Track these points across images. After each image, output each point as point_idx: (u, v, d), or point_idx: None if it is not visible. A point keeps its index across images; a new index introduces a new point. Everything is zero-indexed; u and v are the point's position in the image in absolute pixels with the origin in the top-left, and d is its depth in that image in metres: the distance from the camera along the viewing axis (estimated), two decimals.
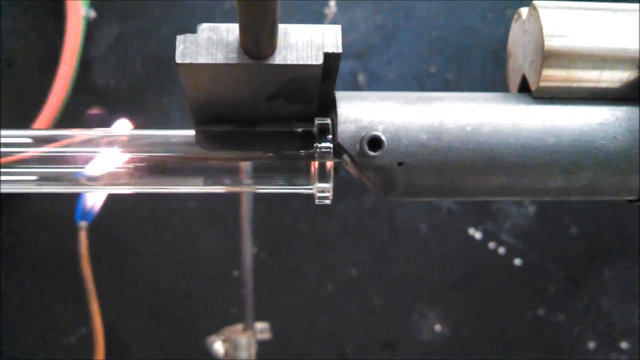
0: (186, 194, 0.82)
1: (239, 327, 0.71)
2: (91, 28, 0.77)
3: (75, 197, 0.66)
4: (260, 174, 0.35)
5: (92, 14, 0.75)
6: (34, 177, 0.34)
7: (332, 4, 0.79)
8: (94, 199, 0.64)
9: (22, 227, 0.81)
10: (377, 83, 0.82)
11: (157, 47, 0.80)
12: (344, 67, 0.79)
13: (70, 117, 0.76)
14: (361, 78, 0.82)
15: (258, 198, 0.77)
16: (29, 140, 0.35)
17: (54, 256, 0.82)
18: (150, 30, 0.80)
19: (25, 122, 0.74)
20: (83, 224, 0.66)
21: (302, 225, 0.84)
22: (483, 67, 0.83)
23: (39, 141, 0.35)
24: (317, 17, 0.81)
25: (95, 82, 0.79)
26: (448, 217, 0.86)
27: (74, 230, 0.67)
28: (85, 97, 0.78)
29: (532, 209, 0.86)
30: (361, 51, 0.82)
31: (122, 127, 0.46)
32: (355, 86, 0.82)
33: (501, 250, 0.87)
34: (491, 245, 0.87)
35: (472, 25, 0.82)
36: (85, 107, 0.78)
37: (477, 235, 0.86)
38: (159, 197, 0.82)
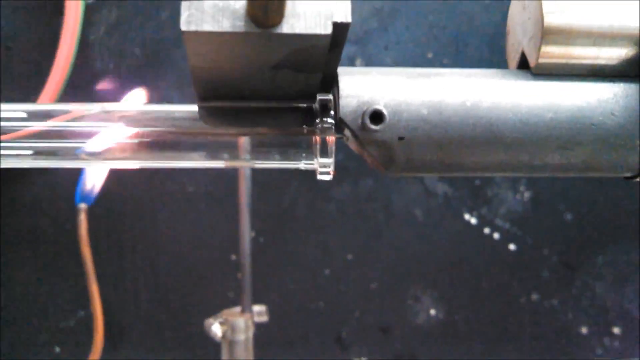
0: (185, 177, 0.82)
1: (236, 309, 0.72)
2: (90, 11, 0.77)
3: (75, 179, 0.66)
4: (263, 149, 0.35)
5: None
6: (33, 152, 0.35)
7: None
8: (94, 181, 0.65)
9: (21, 209, 0.81)
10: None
11: (156, 30, 0.80)
12: None
13: (68, 100, 0.75)
14: (359, 63, 0.83)
15: (256, 182, 0.77)
16: (26, 115, 0.35)
17: (53, 238, 0.82)
18: (148, 13, 0.80)
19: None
20: (83, 206, 0.67)
21: (299, 209, 0.85)
22: (480, 53, 0.83)
23: (41, 116, 0.35)
24: None
25: (93, 65, 0.79)
26: (444, 203, 0.86)
27: (73, 213, 0.68)
28: (84, 80, 0.78)
29: (527, 195, 0.86)
30: (359, 36, 0.82)
31: (136, 96, 0.46)
32: None
33: (496, 235, 0.87)
34: (486, 230, 0.87)
35: (469, 11, 0.83)
36: (84, 90, 0.78)
37: (473, 220, 0.87)
38: (158, 180, 0.82)
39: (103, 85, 0.76)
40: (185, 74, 0.79)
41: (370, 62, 0.82)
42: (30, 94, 0.74)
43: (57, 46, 0.72)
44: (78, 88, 0.76)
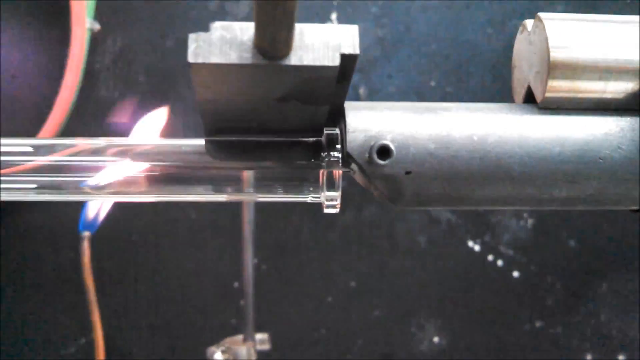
0: (188, 205, 0.82)
1: (239, 337, 0.71)
2: (95, 40, 0.77)
3: (78, 207, 0.66)
4: (270, 182, 0.35)
5: (96, 26, 0.75)
6: (38, 186, 0.35)
7: (334, 17, 0.80)
8: (98, 209, 0.65)
9: (24, 237, 0.81)
10: (378, 96, 0.83)
11: (160, 59, 0.81)
12: None
13: (74, 129, 0.76)
14: (362, 91, 0.83)
15: (259, 209, 0.77)
16: (33, 149, 0.35)
17: (55, 265, 0.82)
18: (153, 43, 0.80)
19: (28, 134, 0.75)
20: (86, 234, 0.66)
21: (303, 236, 0.84)
22: (482, 80, 0.84)
23: (46, 150, 0.35)
24: None
25: (99, 94, 0.80)
26: (447, 230, 0.86)
27: (76, 240, 0.67)
28: (89, 109, 0.78)
29: (530, 222, 0.86)
30: (362, 65, 0.82)
31: (159, 115, 0.46)
32: (356, 99, 0.82)
33: (500, 262, 0.87)
34: (490, 257, 0.87)
35: (471, 40, 0.83)
36: (89, 120, 0.78)
37: (476, 247, 0.87)
38: (161, 208, 0.82)
39: (109, 116, 0.77)
40: (190, 103, 0.80)
41: (374, 90, 0.83)
42: (35, 122, 0.74)
43: (62, 75, 0.72)
44: (83, 116, 0.77)
